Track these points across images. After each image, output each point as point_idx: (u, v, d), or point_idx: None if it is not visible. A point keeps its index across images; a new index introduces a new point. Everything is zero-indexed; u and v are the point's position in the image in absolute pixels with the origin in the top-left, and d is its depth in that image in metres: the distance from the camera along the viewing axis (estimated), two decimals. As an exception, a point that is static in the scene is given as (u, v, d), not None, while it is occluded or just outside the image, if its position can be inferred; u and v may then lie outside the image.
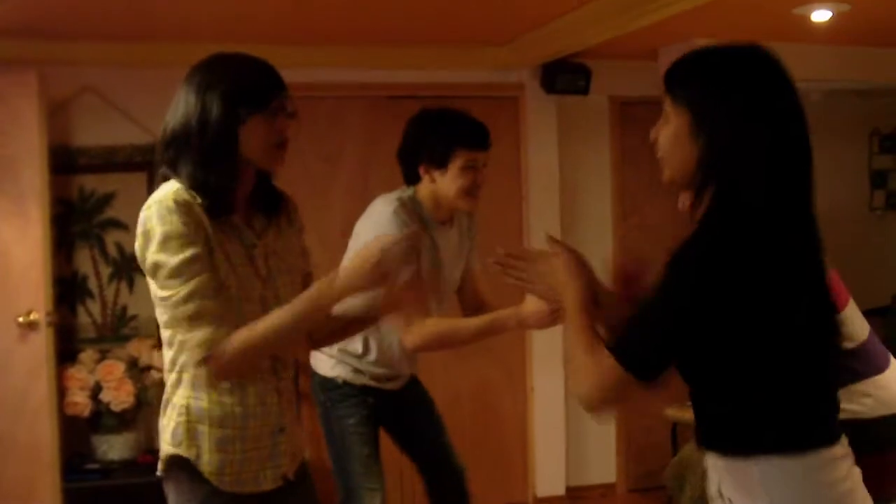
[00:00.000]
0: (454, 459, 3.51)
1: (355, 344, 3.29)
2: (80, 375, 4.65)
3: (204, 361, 2.19)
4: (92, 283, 5.03)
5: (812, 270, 1.81)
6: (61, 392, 4.63)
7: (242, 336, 2.20)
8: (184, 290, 2.18)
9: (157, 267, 2.20)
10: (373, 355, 3.32)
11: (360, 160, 5.43)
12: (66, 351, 4.80)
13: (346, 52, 5.21)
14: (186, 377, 2.29)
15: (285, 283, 2.41)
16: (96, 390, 4.63)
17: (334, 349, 3.30)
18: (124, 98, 5.02)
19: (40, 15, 4.25)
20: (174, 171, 2.26)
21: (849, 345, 2.90)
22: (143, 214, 2.23)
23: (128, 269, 5.01)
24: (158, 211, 2.19)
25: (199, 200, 2.22)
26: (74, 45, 4.77)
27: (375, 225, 3.17)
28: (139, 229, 2.22)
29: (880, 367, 2.94)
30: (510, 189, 5.62)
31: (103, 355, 4.77)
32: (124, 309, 5.00)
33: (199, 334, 2.18)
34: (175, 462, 2.33)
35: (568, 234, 5.72)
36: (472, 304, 3.52)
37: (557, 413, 5.74)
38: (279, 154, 2.33)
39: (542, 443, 5.75)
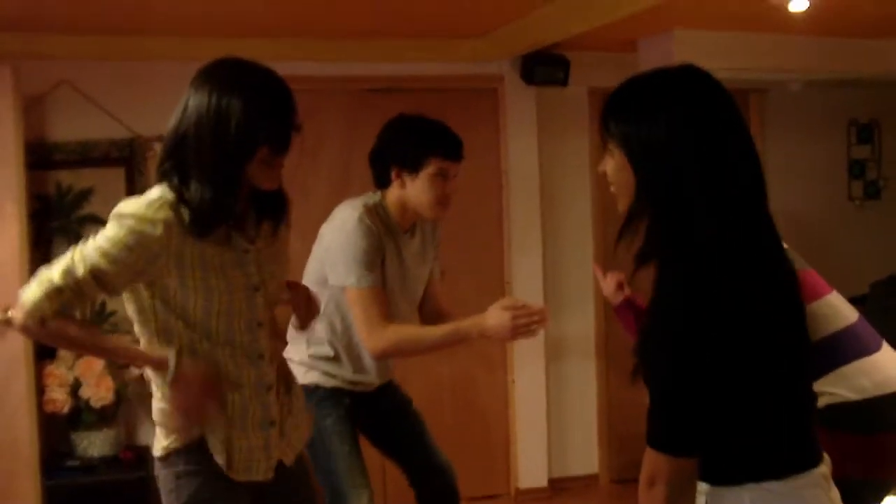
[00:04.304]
0: (439, 458, 3.50)
1: (325, 348, 3.29)
2: (58, 372, 4.61)
3: (21, 314, 2.23)
4: (70, 280, 4.98)
5: (776, 285, 1.80)
6: (40, 389, 4.59)
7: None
8: (73, 267, 2.21)
9: (98, 232, 2.24)
10: (344, 360, 3.32)
11: (339, 153, 5.42)
12: (45, 348, 4.75)
13: (325, 45, 5.18)
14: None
15: (273, 289, 2.42)
16: (75, 387, 4.60)
17: (305, 356, 3.30)
18: (101, 92, 4.98)
19: (14, 8, 4.21)
20: (170, 179, 2.25)
21: (839, 326, 2.92)
22: (133, 199, 2.25)
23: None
24: (148, 201, 2.21)
25: (183, 215, 2.20)
26: (49, 38, 4.72)
27: (340, 231, 3.19)
28: (121, 202, 2.25)
29: (872, 349, 2.97)
30: (489, 180, 5.61)
31: (83, 352, 4.74)
32: (103, 305, 4.96)
33: (41, 300, 2.21)
34: (172, 452, 2.38)
35: (548, 224, 5.74)
36: (430, 311, 3.52)
37: (539, 405, 5.76)
38: (279, 175, 2.33)
39: (524, 435, 5.76)
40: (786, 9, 4.54)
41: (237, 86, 2.21)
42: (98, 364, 4.61)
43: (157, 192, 2.25)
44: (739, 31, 4.99)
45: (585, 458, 5.93)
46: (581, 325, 5.87)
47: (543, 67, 5.45)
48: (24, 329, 2.27)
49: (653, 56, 5.03)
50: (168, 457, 2.39)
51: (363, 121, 5.36)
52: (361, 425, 3.43)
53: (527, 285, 5.63)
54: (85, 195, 4.99)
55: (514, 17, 4.86)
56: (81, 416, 4.66)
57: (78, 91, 4.96)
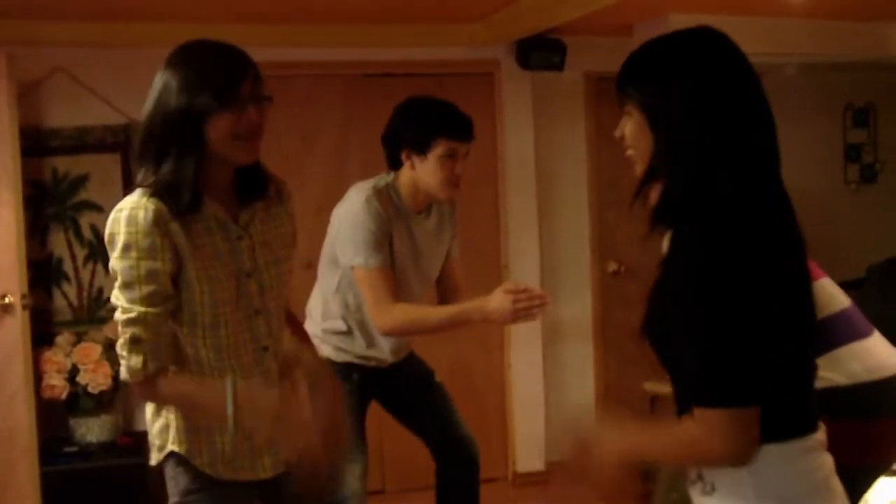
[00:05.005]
0: (461, 430, 3.59)
1: (339, 323, 3.37)
2: (56, 358, 4.62)
3: (131, 385, 2.24)
4: (67, 266, 5.00)
5: (790, 253, 1.80)
6: (38, 376, 4.60)
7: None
8: (129, 314, 2.18)
9: (114, 273, 2.20)
10: (356, 335, 3.40)
11: (335, 139, 5.41)
12: (42, 334, 4.77)
13: (321, 30, 5.18)
14: None
15: (272, 274, 2.38)
16: (73, 373, 4.61)
17: (319, 329, 3.39)
18: (96, 79, 4.98)
19: (9, -5, 4.20)
20: (145, 166, 2.22)
21: (833, 309, 2.93)
22: (111, 217, 2.20)
23: (103, 250, 4.94)
24: (127, 216, 2.16)
25: (166, 205, 2.17)
26: (45, 25, 4.72)
27: (348, 213, 3.27)
28: (106, 230, 2.21)
29: (864, 334, 2.97)
30: (485, 166, 5.60)
31: (80, 338, 4.75)
32: (100, 291, 4.96)
33: (132, 361, 2.19)
34: (168, 456, 2.36)
35: (544, 208, 5.74)
36: (447, 289, 3.59)
37: (536, 389, 5.77)
38: (249, 146, 2.26)
39: (521, 419, 5.78)
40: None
41: (182, 59, 2.22)
42: (95, 350, 4.62)
43: (133, 195, 2.21)
44: (735, 16, 4.97)
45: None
46: (578, 308, 5.87)
47: (540, 52, 5.44)
48: (142, 396, 2.29)
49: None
50: (165, 461, 2.39)
51: (359, 106, 5.36)
52: (379, 399, 3.56)
53: (523, 269, 5.63)
54: (81, 181, 5.00)
55: (510, 1, 4.86)
56: (79, 402, 4.67)
57: (73, 77, 4.95)
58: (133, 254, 2.15)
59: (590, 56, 5.59)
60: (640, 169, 1.87)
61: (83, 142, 4.99)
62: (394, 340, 3.44)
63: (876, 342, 2.99)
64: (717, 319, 1.66)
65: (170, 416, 2.35)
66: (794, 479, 1.74)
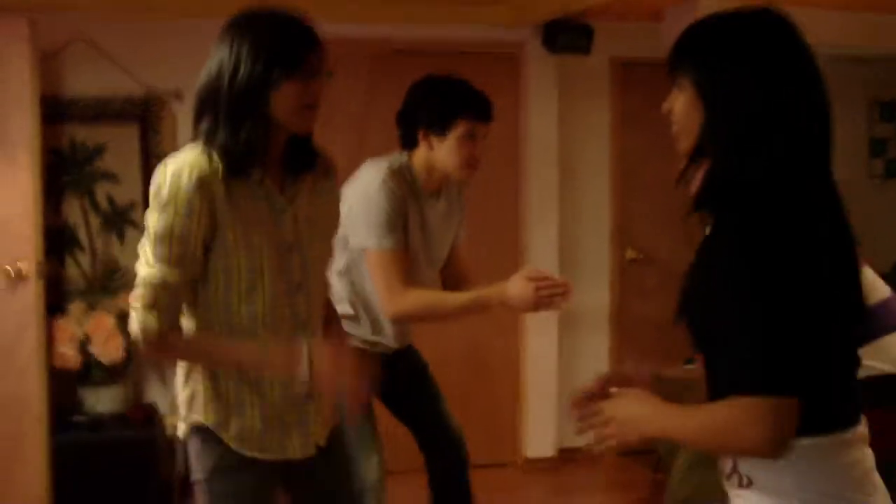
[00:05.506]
0: (450, 427, 3.49)
1: (345, 306, 3.26)
2: (69, 328, 4.60)
3: (141, 344, 2.23)
4: (82, 235, 4.97)
5: (839, 242, 1.77)
6: (49, 344, 4.58)
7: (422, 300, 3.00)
8: (152, 271, 2.19)
9: (148, 225, 2.21)
10: (363, 320, 3.30)
11: (355, 116, 5.37)
12: (55, 303, 4.75)
13: (344, 5, 5.11)
14: None
15: (315, 251, 2.37)
16: (84, 343, 4.59)
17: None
18: (117, 48, 4.93)
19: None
20: (198, 129, 2.23)
21: (876, 299, 2.92)
22: (158, 168, 2.22)
23: (118, 221, 4.97)
24: (173, 172, 2.17)
25: (218, 166, 2.17)
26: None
27: (363, 193, 3.16)
28: (152, 180, 2.21)
29: None
30: (508, 148, 5.56)
31: (92, 307, 4.73)
32: (115, 261, 4.94)
33: (148, 320, 2.20)
34: (195, 429, 2.34)
35: (565, 193, 5.69)
36: (452, 275, 3.48)
37: (550, 375, 5.73)
38: (311, 115, 2.27)
39: (534, 404, 5.74)
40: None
41: (249, 26, 2.22)
42: (108, 321, 4.60)
43: (186, 150, 2.23)
44: (763, 3, 4.91)
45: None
46: (595, 297, 5.82)
47: (566, 35, 5.37)
48: (149, 354, 2.28)
49: (677, 26, 4.91)
50: (192, 433, 2.36)
51: (382, 84, 5.31)
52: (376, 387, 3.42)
53: (542, 255, 5.58)
54: (98, 151, 4.97)
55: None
56: (91, 372, 4.65)
57: (94, 46, 4.91)
58: (171, 210, 2.16)
59: (617, 41, 5.54)
60: (685, 145, 1.82)
61: (103, 111, 4.96)
62: (399, 327, 3.34)
63: None
64: (770, 307, 1.62)
65: (197, 387, 2.32)
66: (835, 474, 1.71)
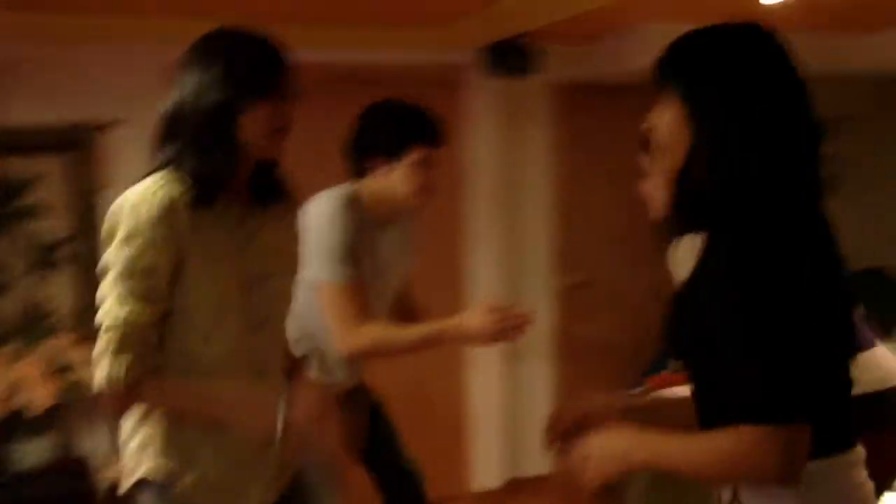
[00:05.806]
0: (407, 464, 3.45)
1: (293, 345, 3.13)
2: (-9, 375, 4.34)
3: (105, 396, 2.09)
4: (4, 275, 4.71)
5: (830, 260, 1.73)
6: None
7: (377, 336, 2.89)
8: (117, 313, 2.04)
9: (107, 265, 2.07)
10: (313, 359, 3.16)
11: (291, 143, 5.19)
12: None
13: (277, 32, 4.95)
14: None
15: (283, 283, 2.29)
16: (12, 392, 4.33)
17: None
18: (44, 76, 4.68)
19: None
20: (160, 156, 2.12)
21: None
22: (116, 203, 2.08)
23: (45, 260, 4.72)
24: (135, 204, 2.04)
25: (182, 195, 2.05)
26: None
27: (316, 226, 3.01)
28: (107, 216, 2.08)
29: (870, 343, 2.98)
30: (449, 173, 5.43)
31: (19, 354, 4.47)
32: (40, 304, 4.70)
33: (114, 368, 2.06)
34: (142, 484, 2.19)
35: (507, 219, 5.60)
36: (401, 309, 3.38)
37: (494, 405, 5.64)
38: (280, 139, 2.20)
39: (479, 434, 5.65)
40: (758, 2, 4.44)
41: (218, 48, 2.15)
42: (37, 367, 4.35)
43: (145, 182, 2.11)
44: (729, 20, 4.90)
45: (542, 457, 5.81)
46: (539, 324, 5.73)
47: (507, 58, 5.29)
48: (116, 406, 2.13)
49: (620, 50, 4.91)
50: (138, 489, 2.22)
51: (317, 112, 5.15)
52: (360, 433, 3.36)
53: (484, 280, 5.49)
54: (23, 185, 4.72)
55: (478, 6, 4.70)
56: (16, 424, 4.36)
57: (19, 75, 4.67)
58: (135, 242, 2.03)
59: (559, 64, 5.46)
60: (669, 162, 1.76)
61: (28, 143, 4.70)
62: (351, 364, 3.23)
63: (882, 352, 2.99)
64: (774, 333, 1.58)
65: (153, 433, 2.17)
66: (841, 496, 1.70)
